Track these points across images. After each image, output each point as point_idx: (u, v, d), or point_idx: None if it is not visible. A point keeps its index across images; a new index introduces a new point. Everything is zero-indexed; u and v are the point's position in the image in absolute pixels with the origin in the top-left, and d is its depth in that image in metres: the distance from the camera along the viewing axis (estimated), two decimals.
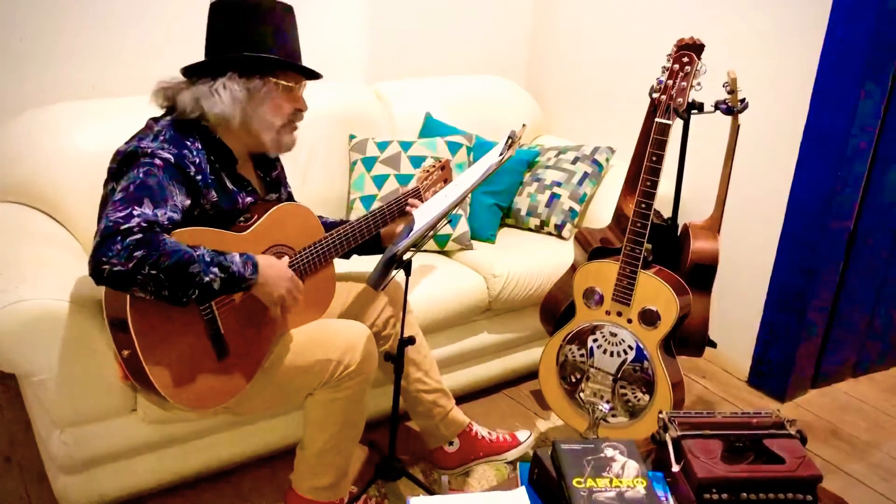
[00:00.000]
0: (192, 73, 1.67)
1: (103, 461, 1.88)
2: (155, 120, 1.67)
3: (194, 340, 1.60)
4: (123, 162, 1.57)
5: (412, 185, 2.04)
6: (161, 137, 1.60)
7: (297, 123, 1.79)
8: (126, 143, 1.62)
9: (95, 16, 2.37)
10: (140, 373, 1.54)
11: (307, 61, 1.76)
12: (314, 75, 1.76)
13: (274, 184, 1.89)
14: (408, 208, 1.96)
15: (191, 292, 1.49)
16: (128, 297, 1.49)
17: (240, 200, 1.72)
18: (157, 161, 1.55)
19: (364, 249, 2.01)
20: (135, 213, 1.46)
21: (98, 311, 1.71)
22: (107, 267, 1.41)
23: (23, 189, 2.08)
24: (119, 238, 1.42)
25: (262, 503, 2.06)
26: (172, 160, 1.56)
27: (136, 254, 1.41)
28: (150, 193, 1.50)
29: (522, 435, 2.25)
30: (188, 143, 1.62)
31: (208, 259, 1.51)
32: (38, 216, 2.07)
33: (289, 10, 1.70)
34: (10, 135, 2.12)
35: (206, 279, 1.50)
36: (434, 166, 2.10)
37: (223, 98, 1.62)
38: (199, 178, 1.61)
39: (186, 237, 1.54)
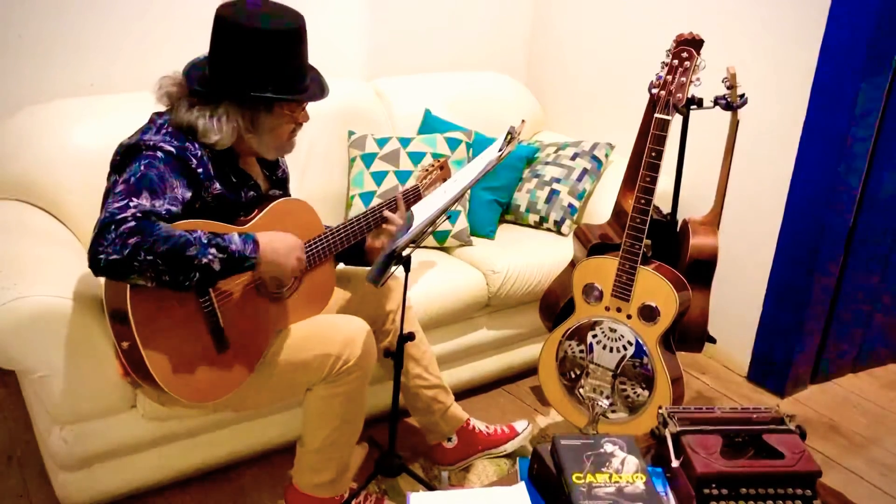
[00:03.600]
0: (195, 84, 1.63)
1: (103, 458, 1.88)
2: (158, 115, 1.67)
3: (194, 333, 1.61)
4: (126, 154, 1.58)
5: (411, 183, 2.05)
6: (164, 130, 1.61)
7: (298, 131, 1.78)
8: (130, 136, 1.63)
9: (95, 12, 2.36)
10: (139, 365, 1.54)
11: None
12: (323, 94, 1.73)
13: (280, 182, 1.90)
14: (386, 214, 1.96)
15: (192, 275, 1.49)
16: (128, 288, 1.49)
17: (243, 195, 1.72)
18: (159, 153, 1.56)
19: (349, 260, 2.02)
20: (132, 204, 1.47)
21: (98, 307, 1.71)
22: (103, 256, 1.41)
23: (22, 186, 2.08)
24: (114, 227, 1.42)
25: (262, 500, 2.06)
26: (174, 152, 1.57)
27: (130, 241, 1.42)
28: (150, 186, 1.51)
29: (520, 426, 2.25)
30: (191, 137, 1.62)
31: (205, 240, 1.51)
32: (37, 213, 2.07)
33: (296, 31, 1.63)
34: (9, 131, 2.11)
35: (205, 260, 1.49)
36: (433, 165, 2.12)
37: (223, 129, 1.62)
38: (200, 170, 1.61)
39: (183, 228, 1.53)
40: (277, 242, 1.64)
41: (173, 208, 1.53)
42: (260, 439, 2.11)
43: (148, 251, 1.43)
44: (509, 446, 2.21)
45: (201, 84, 1.63)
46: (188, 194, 1.59)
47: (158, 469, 1.98)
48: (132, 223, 1.44)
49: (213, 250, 1.51)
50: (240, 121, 1.64)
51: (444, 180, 2.13)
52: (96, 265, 1.43)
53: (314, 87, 1.72)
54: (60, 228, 2.06)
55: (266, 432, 2.11)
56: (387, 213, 1.93)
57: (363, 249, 2.00)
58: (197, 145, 1.62)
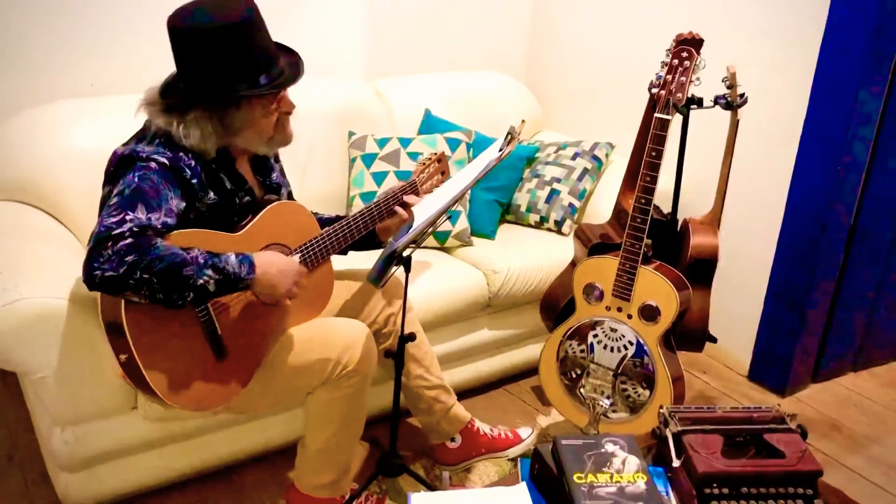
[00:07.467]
0: (166, 95, 1.61)
1: (104, 459, 1.89)
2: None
3: (192, 342, 1.60)
4: (119, 165, 1.56)
5: (410, 180, 2.04)
6: (157, 141, 1.59)
7: (291, 118, 1.73)
8: (123, 144, 1.61)
9: (94, 13, 2.36)
10: (138, 377, 1.54)
11: (304, 57, 1.73)
12: (295, 79, 1.65)
13: (273, 187, 1.88)
14: (406, 199, 1.95)
15: (186, 295, 1.48)
16: (122, 301, 1.48)
17: (237, 200, 1.71)
18: (153, 164, 1.54)
19: (359, 245, 2.01)
20: (127, 218, 1.45)
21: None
22: (98, 273, 1.40)
23: (22, 187, 2.08)
24: (110, 243, 1.41)
25: (262, 500, 2.06)
26: (168, 163, 1.56)
27: (127, 258, 1.41)
28: (145, 198, 1.49)
29: (524, 432, 2.25)
30: (183, 147, 1.60)
31: (202, 261, 1.49)
32: (38, 214, 2.07)
33: (247, 20, 1.56)
34: (8, 133, 2.11)
35: (200, 282, 1.48)
36: (430, 159, 2.10)
37: (193, 135, 1.58)
38: (194, 181, 1.60)
39: (179, 240, 1.52)
40: (272, 267, 1.61)
41: (169, 220, 1.52)
42: (260, 440, 2.11)
43: (144, 270, 1.42)
44: (512, 452, 2.21)
45: (171, 93, 1.60)
46: (182, 205, 1.58)
47: (159, 470, 1.98)
48: (129, 239, 1.42)
49: (209, 271, 1.50)
50: (210, 125, 1.59)
51: (442, 173, 2.12)
52: (91, 281, 1.42)
53: (289, 71, 1.64)
54: (61, 230, 2.06)
55: (266, 433, 2.11)
56: (407, 197, 1.93)
57: (373, 235, 1.97)
58: (190, 155, 1.60)
